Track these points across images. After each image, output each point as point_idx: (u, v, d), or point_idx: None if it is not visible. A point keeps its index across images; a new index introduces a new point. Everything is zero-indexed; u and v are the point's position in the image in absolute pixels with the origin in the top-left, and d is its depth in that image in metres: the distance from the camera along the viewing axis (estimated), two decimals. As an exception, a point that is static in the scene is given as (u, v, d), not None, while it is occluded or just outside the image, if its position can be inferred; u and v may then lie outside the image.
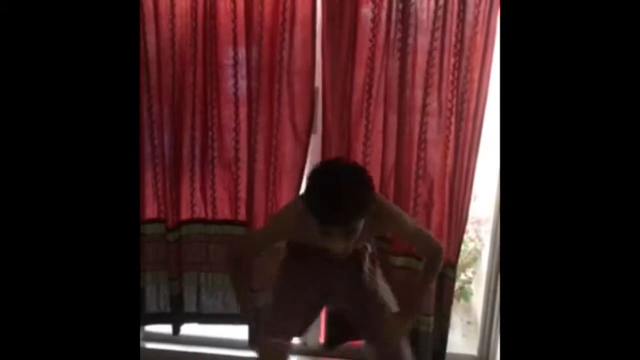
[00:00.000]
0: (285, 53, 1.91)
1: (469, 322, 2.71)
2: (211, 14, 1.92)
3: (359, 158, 1.96)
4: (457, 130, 1.89)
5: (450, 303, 2.05)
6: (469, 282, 2.84)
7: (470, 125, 1.87)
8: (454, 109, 1.88)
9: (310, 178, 1.48)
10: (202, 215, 2.14)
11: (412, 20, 1.83)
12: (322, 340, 2.22)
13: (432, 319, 2.02)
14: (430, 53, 1.84)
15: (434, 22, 1.82)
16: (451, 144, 1.90)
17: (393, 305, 1.76)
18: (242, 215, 2.11)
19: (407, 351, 1.78)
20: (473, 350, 2.26)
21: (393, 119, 1.91)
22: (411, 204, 1.95)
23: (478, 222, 2.77)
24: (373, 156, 1.97)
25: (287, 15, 1.88)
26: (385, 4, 1.84)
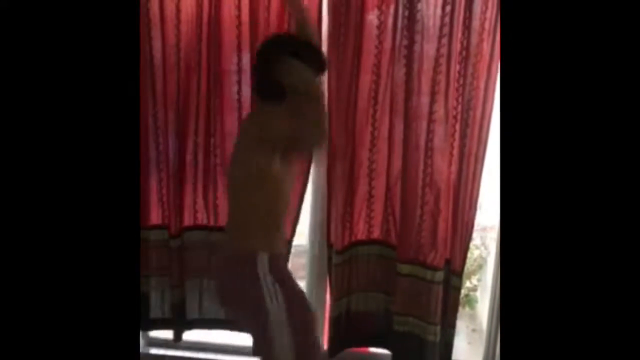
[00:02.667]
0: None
1: (474, 330, 2.70)
2: (216, 20, 1.92)
3: (364, 165, 1.96)
4: (463, 138, 1.88)
5: (455, 312, 2.04)
6: (475, 289, 2.83)
7: (476, 133, 1.87)
8: (460, 116, 1.87)
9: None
10: (205, 222, 2.13)
11: (418, 27, 1.83)
12: (325, 346, 2.20)
13: (438, 328, 2.01)
14: (436, 60, 1.84)
15: (440, 29, 1.82)
16: (457, 152, 1.90)
17: None
18: (244, 222, 2.10)
19: None
20: (478, 358, 2.25)
21: (399, 126, 1.91)
22: (418, 211, 1.95)
23: (483, 229, 2.76)
24: (379, 163, 1.96)
25: (293, 22, 1.88)
26: (391, 10, 1.84)
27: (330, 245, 2.06)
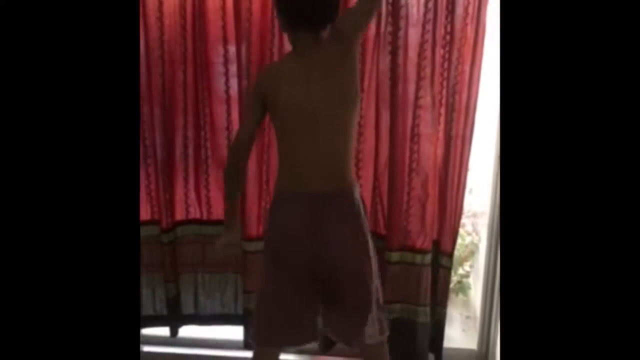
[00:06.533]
0: (275, 49, 1.90)
1: (467, 317, 2.69)
2: (200, 11, 1.91)
3: (351, 153, 1.95)
4: (450, 122, 1.88)
5: (446, 291, 2.04)
6: (467, 276, 2.82)
7: (462, 118, 1.87)
8: (445, 101, 1.87)
9: None
10: (197, 215, 2.13)
11: (402, 14, 1.82)
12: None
13: (428, 309, 2.01)
14: (421, 46, 1.84)
15: (424, 15, 1.82)
16: (444, 137, 1.90)
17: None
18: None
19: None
20: (473, 345, 2.24)
21: (385, 114, 1.91)
22: (405, 197, 1.94)
23: (474, 215, 2.75)
24: (366, 151, 1.96)
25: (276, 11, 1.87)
26: (374, -3, 1.82)
27: None
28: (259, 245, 2.05)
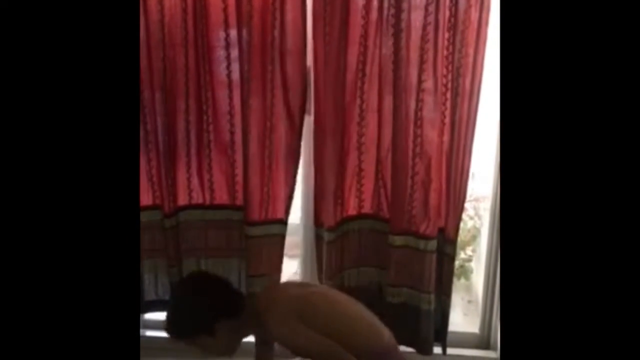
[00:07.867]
0: (277, 33, 1.88)
1: (469, 301, 2.71)
2: (201, -7, 1.89)
3: (353, 138, 1.95)
4: (454, 107, 1.86)
5: (450, 280, 2.04)
6: (469, 260, 2.83)
7: (466, 101, 1.85)
8: (449, 85, 1.85)
9: None
10: (200, 200, 2.12)
11: (404, -5, 1.80)
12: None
13: (432, 296, 2.01)
14: (424, 29, 1.82)
15: (427, -4, 1.80)
16: (448, 121, 1.88)
17: None
18: (240, 200, 2.09)
19: None
20: (474, 329, 2.26)
21: (388, 98, 1.89)
22: (409, 182, 1.94)
23: (477, 199, 2.76)
24: (368, 136, 1.95)
25: (277, -6, 1.85)
26: (376, -21, 1.81)
27: (319, 225, 2.04)
28: (262, 230, 2.06)
